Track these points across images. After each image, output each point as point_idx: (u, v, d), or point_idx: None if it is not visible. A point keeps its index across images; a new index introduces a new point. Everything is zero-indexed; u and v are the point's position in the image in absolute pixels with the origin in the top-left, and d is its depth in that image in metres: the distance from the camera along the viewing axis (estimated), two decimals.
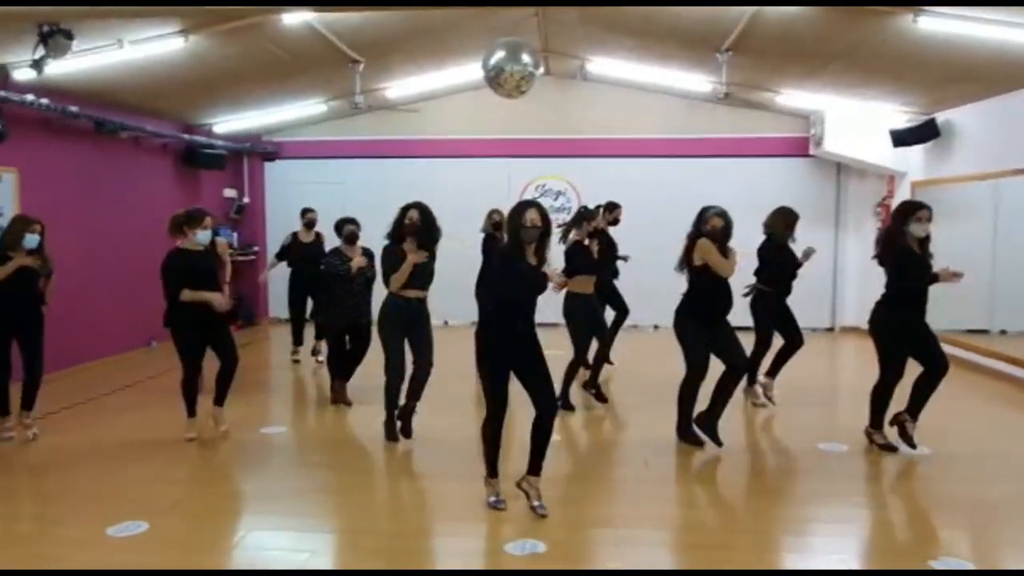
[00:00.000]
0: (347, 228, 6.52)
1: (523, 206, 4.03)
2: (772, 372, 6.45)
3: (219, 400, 5.57)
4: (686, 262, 5.28)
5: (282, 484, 4.70)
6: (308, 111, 10.28)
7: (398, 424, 5.45)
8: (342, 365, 6.56)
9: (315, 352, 8.31)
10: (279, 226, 11.00)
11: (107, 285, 8.29)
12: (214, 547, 3.79)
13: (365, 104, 9.06)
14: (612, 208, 7.60)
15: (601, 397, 6.50)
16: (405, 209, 5.32)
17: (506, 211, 4.49)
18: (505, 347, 4.05)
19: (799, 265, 6.30)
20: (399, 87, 9.81)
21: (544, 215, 4.04)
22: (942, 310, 8.03)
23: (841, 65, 7.52)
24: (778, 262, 6.28)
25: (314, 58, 7.84)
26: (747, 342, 6.52)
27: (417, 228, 5.26)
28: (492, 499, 4.19)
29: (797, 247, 6.30)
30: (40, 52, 5.71)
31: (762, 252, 6.38)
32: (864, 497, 4.56)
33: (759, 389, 6.49)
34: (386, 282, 5.29)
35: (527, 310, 4.09)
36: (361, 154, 11.13)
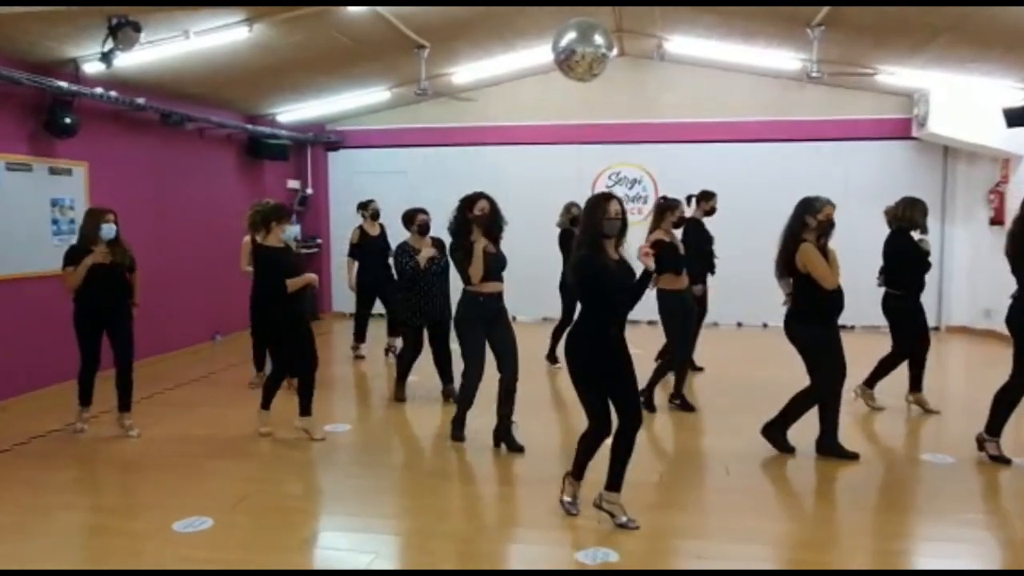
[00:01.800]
0: (420, 217, 6.46)
1: (605, 197, 3.96)
2: (915, 386, 6.25)
3: (306, 409, 5.59)
4: (787, 268, 4.99)
5: (347, 483, 4.84)
6: (372, 99, 10.48)
7: (502, 444, 5.36)
8: (411, 365, 6.65)
9: (390, 349, 8.47)
10: (342, 217, 11.28)
11: (173, 278, 8.66)
12: (277, 545, 3.92)
13: (431, 91, 9.19)
14: (708, 197, 7.35)
15: (687, 406, 6.32)
16: (469, 200, 5.30)
17: (582, 202, 4.45)
18: (602, 355, 3.94)
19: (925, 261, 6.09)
20: (466, 72, 9.89)
21: (623, 207, 3.99)
22: None
23: (950, 38, 7.19)
24: (914, 257, 6.01)
25: (378, 44, 7.99)
26: (875, 343, 6.31)
27: (488, 219, 5.28)
28: (567, 499, 4.19)
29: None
30: (109, 45, 6.02)
31: (893, 248, 6.08)
32: (976, 514, 4.38)
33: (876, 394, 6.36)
34: (464, 278, 5.28)
35: (623, 313, 4.02)
36: (426, 143, 11.28)
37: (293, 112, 10.46)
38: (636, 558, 3.72)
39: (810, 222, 4.94)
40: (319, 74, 8.93)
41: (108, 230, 5.54)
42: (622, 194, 10.86)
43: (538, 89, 10.74)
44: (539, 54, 8.77)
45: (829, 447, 5.11)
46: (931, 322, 10.24)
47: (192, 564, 3.66)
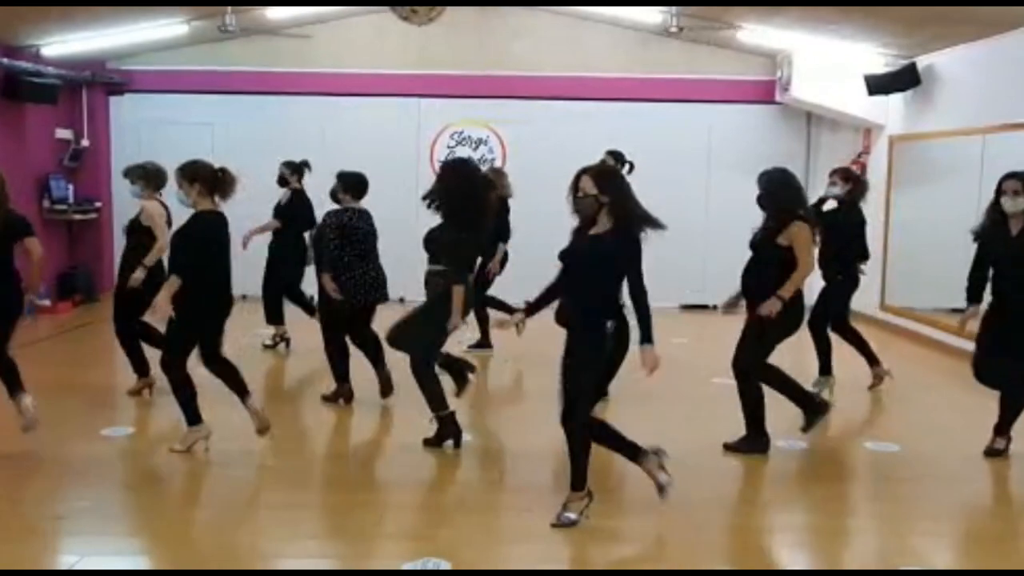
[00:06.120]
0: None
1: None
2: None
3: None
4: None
5: (127, 499, 4.66)
6: (165, 32, 9.95)
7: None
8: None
9: (284, 339, 8.20)
10: None
11: None
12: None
13: (238, 27, 8.82)
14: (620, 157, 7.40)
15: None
16: (480, 172, 5.54)
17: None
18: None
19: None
20: (282, 6, 9.57)
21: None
22: (916, 287, 8.41)
23: None
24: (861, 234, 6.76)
25: None
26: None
27: None
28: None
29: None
30: None
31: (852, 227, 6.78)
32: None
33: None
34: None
35: None
36: (235, 89, 10.88)
37: (63, 44, 9.74)
38: (468, 565, 3.82)
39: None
40: None
41: None
42: (466, 154, 10.93)
43: (370, 31, 10.60)
44: None
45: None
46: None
47: None
